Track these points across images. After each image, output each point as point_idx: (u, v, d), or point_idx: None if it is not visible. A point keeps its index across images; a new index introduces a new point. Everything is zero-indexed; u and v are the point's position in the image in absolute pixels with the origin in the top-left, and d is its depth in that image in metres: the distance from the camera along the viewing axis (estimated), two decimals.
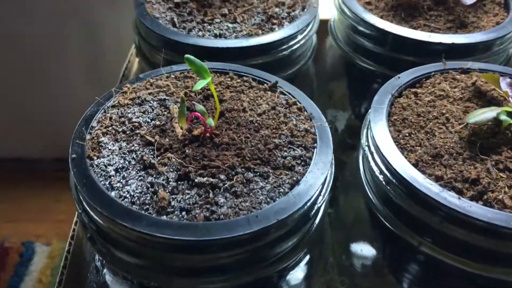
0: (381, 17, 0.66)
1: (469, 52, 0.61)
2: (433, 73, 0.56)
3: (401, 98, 0.54)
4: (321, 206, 0.46)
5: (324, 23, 0.76)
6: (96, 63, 1.25)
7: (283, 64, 0.65)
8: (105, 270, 0.50)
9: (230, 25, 0.64)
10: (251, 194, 0.43)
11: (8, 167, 1.37)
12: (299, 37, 0.64)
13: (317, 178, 0.44)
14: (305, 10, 0.67)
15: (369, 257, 0.57)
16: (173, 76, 0.56)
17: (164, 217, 0.40)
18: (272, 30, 0.64)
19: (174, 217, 0.40)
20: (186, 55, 0.45)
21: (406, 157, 0.46)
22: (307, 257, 0.51)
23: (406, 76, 0.56)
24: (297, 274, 0.50)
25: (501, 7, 0.70)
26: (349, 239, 0.60)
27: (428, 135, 0.49)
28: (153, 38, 0.63)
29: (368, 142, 0.50)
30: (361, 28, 0.66)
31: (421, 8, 0.68)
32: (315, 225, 0.47)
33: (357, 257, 0.58)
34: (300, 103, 0.52)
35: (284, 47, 0.63)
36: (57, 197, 1.28)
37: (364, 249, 0.57)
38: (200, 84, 0.44)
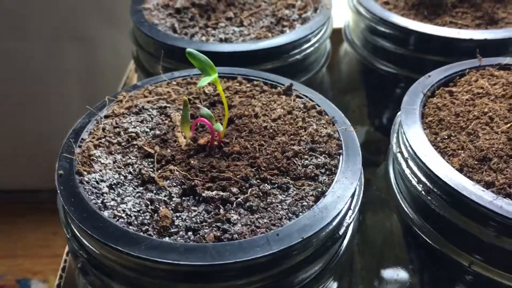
0: (402, 15, 0.60)
1: (502, 48, 0.56)
2: (467, 70, 0.50)
3: (434, 98, 0.47)
4: (351, 222, 0.39)
5: (336, 33, 0.71)
6: (94, 83, 1.20)
7: (296, 70, 0.59)
8: None
9: (237, 29, 0.58)
10: (269, 209, 0.36)
11: (4, 199, 1.31)
12: (313, 40, 0.59)
13: (345, 188, 0.38)
14: (318, 11, 0.62)
15: (403, 283, 0.50)
16: (174, 83, 0.50)
17: (167, 239, 0.34)
18: (282, 32, 0.58)
19: (179, 238, 0.34)
20: (188, 49, 0.38)
21: (448, 162, 0.40)
22: (335, 286, 0.43)
23: (437, 74, 0.49)
24: None
25: None
26: (379, 264, 0.53)
27: (471, 136, 0.42)
28: (152, 46, 0.58)
29: (400, 148, 0.44)
30: (380, 29, 0.61)
31: (445, 6, 0.62)
32: (344, 246, 0.41)
33: (390, 283, 0.51)
34: (319, 106, 0.46)
35: (297, 50, 0.57)
36: (56, 230, 1.21)
37: (397, 275, 0.50)
38: (204, 81, 0.38)
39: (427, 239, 0.41)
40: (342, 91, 0.74)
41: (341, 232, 0.38)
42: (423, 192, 0.41)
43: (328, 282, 0.41)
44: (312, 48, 0.58)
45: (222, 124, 0.41)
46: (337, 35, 0.72)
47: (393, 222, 0.50)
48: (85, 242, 0.36)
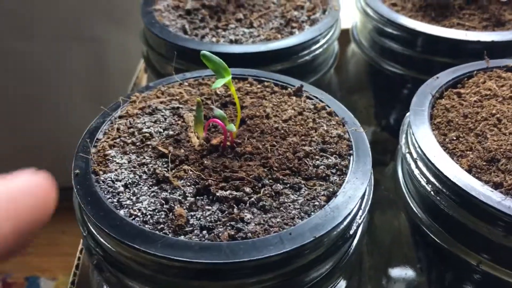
0: (409, 17, 0.61)
1: (509, 50, 0.56)
2: (475, 72, 0.51)
3: (443, 99, 0.48)
4: (361, 222, 0.40)
5: (343, 33, 0.71)
6: (102, 83, 1.21)
7: (304, 71, 0.59)
8: None
9: (246, 30, 0.59)
10: (281, 208, 0.37)
11: None
12: (322, 41, 0.59)
13: (356, 188, 0.38)
14: (326, 13, 0.62)
15: (411, 282, 0.51)
16: (186, 84, 0.50)
17: (182, 238, 0.35)
18: (291, 34, 0.59)
19: (194, 237, 0.35)
20: (202, 51, 0.39)
21: (457, 163, 0.40)
22: (345, 284, 0.44)
23: (445, 76, 0.50)
24: None
25: None
26: (387, 263, 0.53)
27: (479, 138, 0.43)
28: (163, 47, 0.58)
29: (409, 148, 0.45)
30: (388, 30, 0.61)
31: (452, 8, 0.62)
32: (354, 246, 0.41)
33: (398, 282, 0.51)
34: (329, 107, 0.47)
35: (306, 52, 0.58)
36: (63, 228, 1.21)
37: (406, 273, 0.51)
38: (219, 83, 0.38)
39: (435, 239, 0.42)
40: (349, 92, 0.75)
41: (351, 231, 0.39)
42: (432, 192, 0.41)
43: (338, 280, 0.42)
44: (320, 50, 0.59)
45: (234, 125, 0.42)
46: (344, 36, 0.73)
47: (401, 222, 0.51)
48: (101, 239, 0.37)
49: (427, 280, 0.49)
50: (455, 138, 0.43)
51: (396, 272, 0.52)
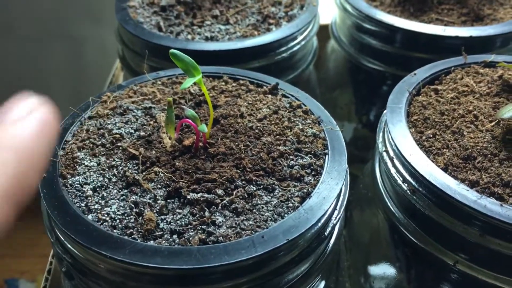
0: (388, 12, 0.60)
1: (488, 45, 0.56)
2: (452, 68, 0.50)
3: (420, 96, 0.47)
4: (337, 222, 0.39)
5: (323, 29, 0.71)
6: (79, 83, 1.19)
7: (282, 68, 0.58)
8: None
9: (222, 27, 0.58)
10: (254, 210, 0.36)
11: None
12: (299, 37, 0.58)
13: (331, 189, 0.38)
14: (304, 9, 0.61)
15: (391, 280, 0.50)
16: (159, 82, 0.49)
17: (152, 242, 0.34)
18: (269, 30, 0.58)
19: (164, 241, 0.34)
20: (172, 50, 0.38)
21: (433, 161, 0.40)
22: (322, 284, 0.43)
23: (423, 72, 0.49)
24: None
25: None
26: (366, 261, 0.53)
27: (456, 135, 0.43)
28: (138, 45, 0.57)
29: (386, 147, 0.44)
30: (366, 26, 0.60)
31: (431, 2, 0.62)
32: (330, 246, 0.41)
33: (377, 280, 0.51)
34: (305, 105, 0.46)
35: (283, 48, 0.57)
36: (43, 229, 1.20)
37: (384, 272, 0.50)
38: (188, 82, 0.37)
39: (412, 238, 0.41)
40: (329, 88, 0.74)
41: (327, 232, 0.38)
42: (408, 191, 0.41)
43: (315, 281, 0.41)
44: (298, 46, 0.58)
45: (207, 125, 0.41)
46: (324, 32, 0.72)
47: (380, 220, 0.50)
48: (69, 246, 0.36)
49: (406, 279, 0.48)
50: (431, 136, 0.43)
51: (375, 270, 0.52)
